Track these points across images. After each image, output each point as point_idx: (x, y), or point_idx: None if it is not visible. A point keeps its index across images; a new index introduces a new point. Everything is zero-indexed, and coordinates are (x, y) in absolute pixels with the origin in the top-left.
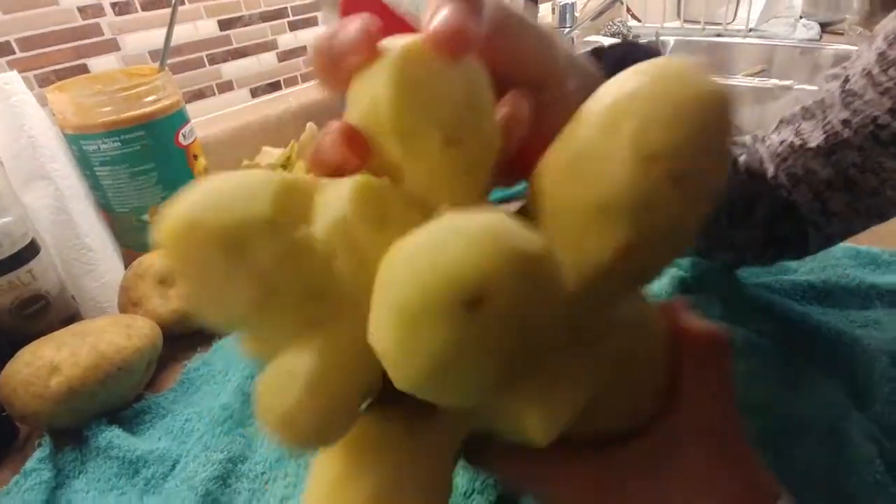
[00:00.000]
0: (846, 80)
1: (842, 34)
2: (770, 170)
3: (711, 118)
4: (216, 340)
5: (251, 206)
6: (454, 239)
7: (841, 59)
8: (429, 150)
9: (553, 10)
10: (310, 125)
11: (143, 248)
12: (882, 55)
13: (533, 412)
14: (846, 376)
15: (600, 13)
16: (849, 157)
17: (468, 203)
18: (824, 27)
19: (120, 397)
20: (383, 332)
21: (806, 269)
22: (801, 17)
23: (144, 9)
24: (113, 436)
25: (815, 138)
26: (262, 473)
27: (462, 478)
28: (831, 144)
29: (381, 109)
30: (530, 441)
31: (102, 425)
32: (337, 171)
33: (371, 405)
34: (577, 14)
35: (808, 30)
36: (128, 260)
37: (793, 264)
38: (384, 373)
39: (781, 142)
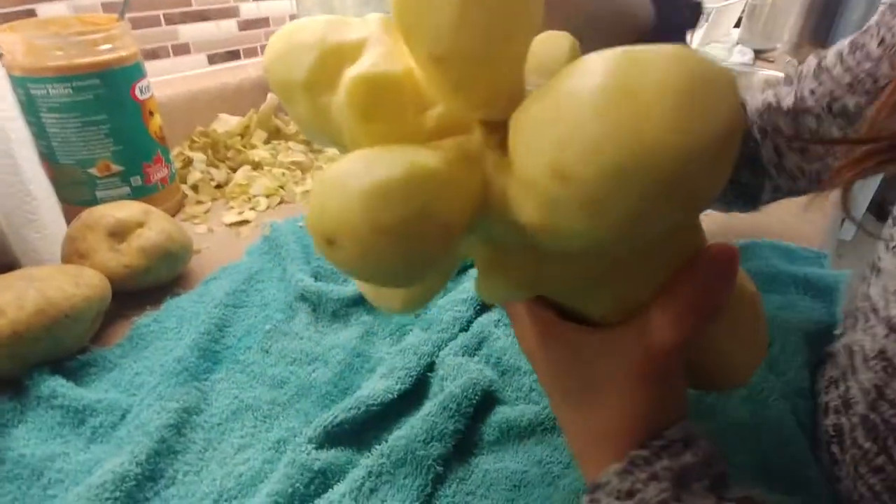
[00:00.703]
0: (823, 58)
1: (772, 62)
2: (756, 122)
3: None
4: (166, 299)
5: (294, 70)
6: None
7: (771, 84)
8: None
9: None
10: (270, 96)
11: (86, 203)
12: (853, 42)
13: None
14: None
15: None
16: (808, 122)
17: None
18: (758, 54)
19: (65, 347)
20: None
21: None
22: (737, 44)
23: None
24: (57, 385)
25: (787, 101)
26: (218, 424)
27: (423, 424)
28: (798, 108)
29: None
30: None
31: (45, 374)
32: None
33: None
34: None
35: (742, 55)
36: (68, 216)
37: None
38: None
39: (764, 100)
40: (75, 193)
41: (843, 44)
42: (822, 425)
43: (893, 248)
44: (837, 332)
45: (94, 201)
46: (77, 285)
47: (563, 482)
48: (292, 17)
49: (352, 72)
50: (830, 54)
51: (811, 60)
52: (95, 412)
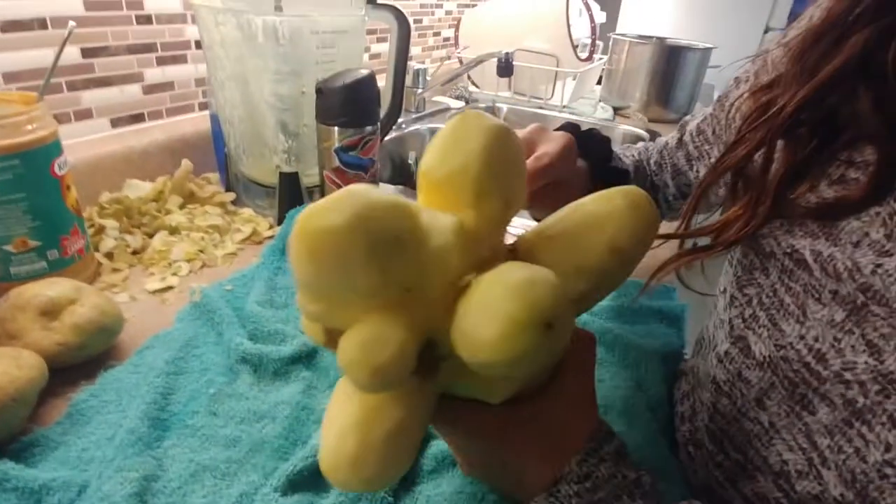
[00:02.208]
0: (689, 121)
1: (629, 117)
2: (654, 158)
3: (651, 234)
4: (101, 372)
5: (395, 224)
6: (540, 284)
7: (629, 137)
8: (493, 207)
9: (408, 72)
10: (185, 162)
11: (2, 279)
12: (699, 126)
13: (500, 385)
14: (634, 369)
15: (449, 80)
16: (680, 154)
17: (497, 242)
18: (616, 111)
19: (9, 430)
20: (489, 329)
21: (609, 298)
22: (600, 101)
23: (3, 30)
24: (7, 468)
25: (674, 140)
26: (179, 488)
27: None
28: (676, 144)
29: (471, 173)
30: (486, 399)
31: None
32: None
33: None
34: (428, 78)
35: (604, 111)
36: None
37: None
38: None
39: (665, 142)
40: None
41: (693, 125)
42: (679, 431)
43: (722, 292)
44: (686, 354)
45: (7, 277)
46: (20, 368)
47: (491, 497)
48: (197, 81)
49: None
50: (686, 132)
51: (675, 135)
52: (52, 490)
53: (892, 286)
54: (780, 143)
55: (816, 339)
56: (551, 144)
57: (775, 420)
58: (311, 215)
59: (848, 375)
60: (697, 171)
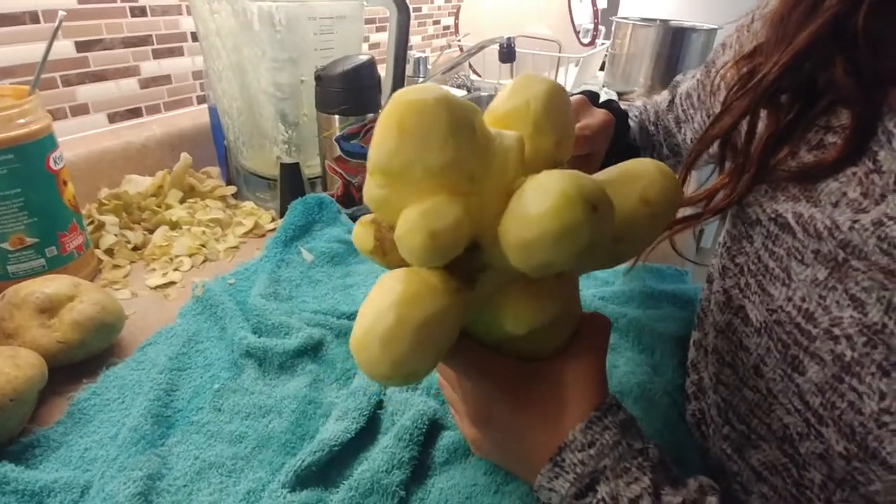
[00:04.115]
0: (681, 82)
1: (633, 101)
2: (651, 118)
3: (677, 199)
4: (103, 370)
5: (471, 114)
6: (585, 177)
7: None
8: (546, 143)
9: (409, 61)
10: (184, 155)
11: (0, 278)
12: (704, 75)
13: (529, 307)
14: (649, 354)
15: (449, 68)
16: (670, 116)
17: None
18: (620, 95)
19: (8, 431)
20: (542, 202)
21: (621, 282)
22: (603, 86)
23: None
24: (6, 470)
25: (665, 101)
26: (184, 486)
27: (383, 456)
28: (667, 107)
29: (531, 108)
30: (511, 329)
31: None
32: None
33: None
34: (429, 67)
35: (608, 96)
36: None
37: (611, 278)
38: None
39: (658, 101)
40: None
41: (682, 88)
42: (688, 409)
43: (715, 264)
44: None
45: (6, 276)
46: (18, 367)
47: (507, 488)
48: (194, 74)
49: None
50: (676, 95)
51: (667, 97)
52: (53, 492)
53: (870, 240)
54: (763, 112)
55: (803, 300)
56: (594, 119)
57: (771, 386)
58: (404, 92)
59: (836, 331)
60: (685, 135)
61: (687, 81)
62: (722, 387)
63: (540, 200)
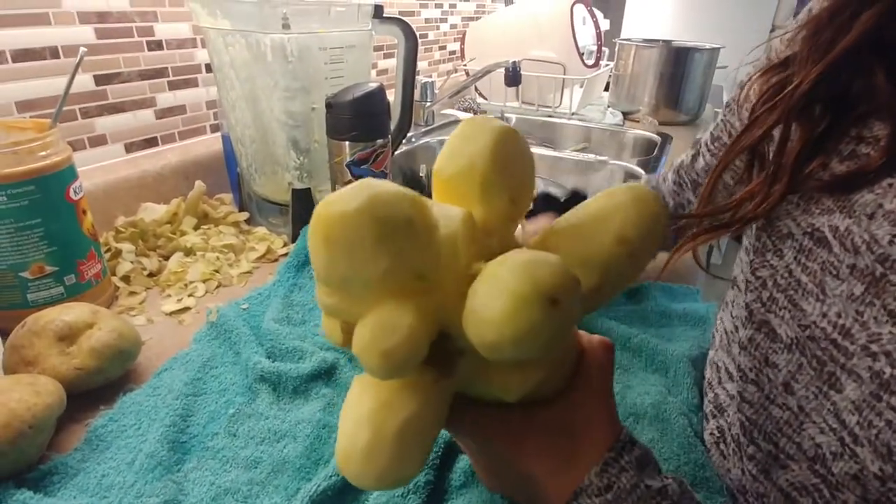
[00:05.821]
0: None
1: (638, 121)
2: (670, 179)
3: (658, 227)
4: (119, 396)
5: (404, 209)
6: (544, 263)
7: (640, 141)
8: (499, 203)
9: (416, 86)
10: (198, 183)
11: (17, 306)
12: (712, 134)
13: (514, 379)
14: (663, 374)
15: (456, 92)
16: (698, 166)
17: (507, 237)
18: (626, 115)
19: (27, 458)
20: (495, 306)
21: (633, 301)
22: (608, 107)
23: (15, 60)
24: (25, 498)
25: (688, 157)
26: None
27: None
28: (690, 161)
29: (478, 169)
30: (502, 398)
31: (11, 489)
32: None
33: None
34: (436, 91)
35: (613, 116)
36: None
37: (621, 297)
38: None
39: (680, 161)
40: (4, 298)
41: (706, 136)
42: (707, 429)
43: (735, 280)
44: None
45: (25, 304)
46: (38, 394)
47: None
48: (208, 104)
49: None
50: (701, 145)
51: (689, 153)
52: None
53: None
54: (793, 123)
55: (839, 315)
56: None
57: (804, 404)
58: (325, 204)
59: (874, 347)
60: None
61: (707, 131)
62: (746, 405)
63: (492, 305)
